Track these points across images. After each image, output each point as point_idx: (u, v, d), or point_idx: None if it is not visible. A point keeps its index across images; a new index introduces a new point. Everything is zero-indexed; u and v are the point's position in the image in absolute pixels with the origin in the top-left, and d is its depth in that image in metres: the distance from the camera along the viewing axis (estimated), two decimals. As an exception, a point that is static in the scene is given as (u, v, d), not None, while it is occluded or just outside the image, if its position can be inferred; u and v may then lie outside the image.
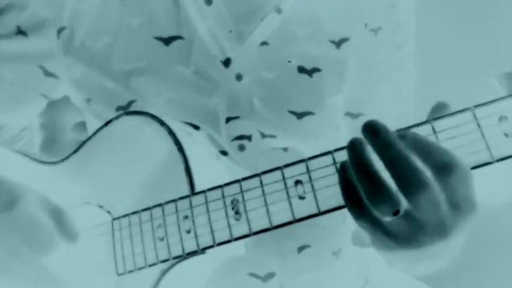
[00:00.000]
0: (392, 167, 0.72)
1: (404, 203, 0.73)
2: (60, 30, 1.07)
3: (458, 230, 0.76)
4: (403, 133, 0.75)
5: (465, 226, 0.76)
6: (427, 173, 0.72)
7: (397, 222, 0.74)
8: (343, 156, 0.78)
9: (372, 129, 0.74)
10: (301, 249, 1.08)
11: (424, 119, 0.78)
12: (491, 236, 1.68)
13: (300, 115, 1.07)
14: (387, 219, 0.74)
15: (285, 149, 1.07)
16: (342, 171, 0.76)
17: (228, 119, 1.05)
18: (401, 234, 0.75)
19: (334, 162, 0.79)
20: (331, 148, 0.82)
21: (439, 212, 0.73)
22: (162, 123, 0.95)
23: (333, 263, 1.13)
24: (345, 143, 0.79)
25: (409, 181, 0.72)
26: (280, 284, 1.07)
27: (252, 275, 1.05)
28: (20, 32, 1.08)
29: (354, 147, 0.75)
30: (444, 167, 0.72)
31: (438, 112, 0.76)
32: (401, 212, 0.73)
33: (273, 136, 1.07)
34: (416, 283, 1.28)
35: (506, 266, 1.84)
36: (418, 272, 0.88)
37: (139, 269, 0.92)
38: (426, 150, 0.73)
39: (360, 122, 1.08)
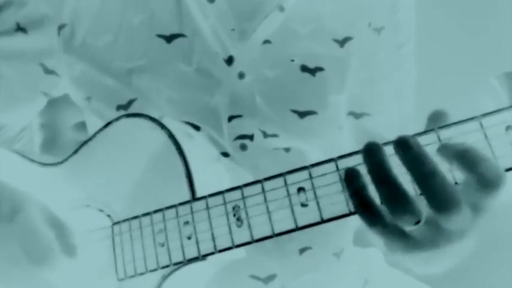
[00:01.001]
0: (425, 185, 0.71)
1: (425, 212, 0.72)
2: (60, 28, 1.06)
3: (475, 232, 0.75)
4: (449, 144, 0.72)
5: (479, 227, 0.75)
6: (468, 181, 0.71)
7: (418, 229, 0.73)
8: (346, 163, 0.77)
9: (405, 144, 0.71)
10: (302, 251, 1.08)
11: (424, 119, 0.77)
12: (491, 236, 1.68)
13: (302, 114, 1.07)
14: (407, 228, 0.73)
15: (287, 149, 1.07)
16: (350, 179, 0.74)
17: (231, 118, 1.05)
18: (419, 238, 0.74)
19: (337, 169, 0.78)
20: (334, 147, 0.81)
21: (465, 223, 0.72)
22: (162, 126, 0.94)
23: (334, 264, 1.12)
24: (347, 143, 0.78)
25: (443, 201, 0.70)
26: (281, 285, 1.07)
27: (253, 277, 1.05)
28: (20, 28, 1.08)
29: (371, 152, 0.73)
30: (493, 183, 0.70)
31: (435, 120, 0.75)
32: (423, 220, 0.72)
33: (275, 135, 1.07)
34: (416, 283, 1.28)
35: (506, 266, 1.84)
36: (428, 271, 0.87)
37: (140, 274, 0.91)
38: (474, 161, 0.70)
39: (363, 121, 1.10)
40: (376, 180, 0.72)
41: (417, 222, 0.72)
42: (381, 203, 0.73)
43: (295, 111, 1.06)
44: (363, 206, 0.73)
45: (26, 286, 0.91)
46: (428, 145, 0.73)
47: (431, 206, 0.71)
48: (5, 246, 0.90)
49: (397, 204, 0.71)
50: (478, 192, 0.71)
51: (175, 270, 0.89)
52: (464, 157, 0.71)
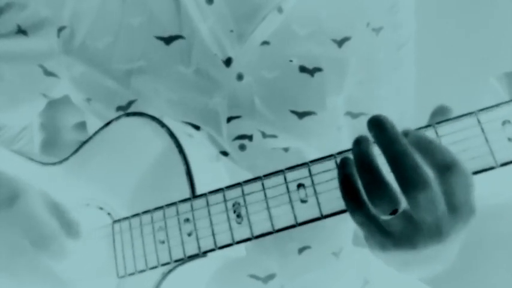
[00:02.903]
0: (395, 163, 0.72)
1: (403, 203, 0.73)
2: (60, 30, 1.06)
3: (454, 235, 0.75)
4: (406, 131, 0.74)
5: (462, 232, 0.76)
6: (428, 172, 0.73)
7: (393, 221, 0.74)
8: None
9: (378, 124, 0.74)
10: (301, 250, 1.08)
11: (423, 119, 0.78)
12: (491, 236, 1.68)
13: (301, 115, 1.07)
14: (384, 217, 0.74)
15: (286, 149, 1.07)
16: (342, 166, 0.76)
17: (229, 119, 1.05)
18: (396, 233, 0.75)
19: (337, 166, 0.78)
20: (332, 148, 0.82)
21: (437, 213, 0.73)
22: (163, 124, 0.95)
23: (333, 263, 1.13)
24: (346, 143, 0.78)
25: (410, 179, 0.72)
26: (281, 285, 1.07)
27: (253, 276, 1.05)
28: (20, 31, 1.08)
29: (358, 143, 0.75)
30: (446, 166, 0.72)
31: (439, 116, 0.76)
32: (399, 211, 0.73)
33: (274, 136, 1.07)
34: (416, 283, 1.28)
35: (505, 266, 1.84)
36: (411, 276, 0.88)
37: (140, 271, 0.92)
38: (429, 149, 0.73)
39: (360, 122, 1.10)
40: (358, 166, 0.74)
41: (393, 213, 0.73)
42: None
43: (294, 112, 1.07)
44: (346, 192, 0.75)
45: (28, 274, 0.91)
46: None
47: (400, 187, 0.72)
48: (6, 233, 0.90)
49: (375, 189, 0.73)
50: (440, 181, 0.72)
51: (175, 267, 0.89)
52: (419, 144, 0.73)
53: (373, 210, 0.74)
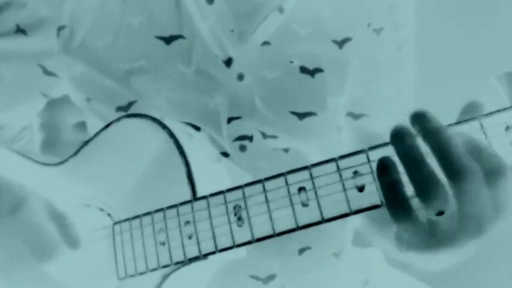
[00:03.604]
0: (442, 152, 0.71)
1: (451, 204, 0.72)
2: (60, 29, 1.06)
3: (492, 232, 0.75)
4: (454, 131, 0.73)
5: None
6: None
7: (442, 220, 0.73)
8: (347, 163, 0.78)
9: (423, 116, 0.73)
10: (302, 251, 1.08)
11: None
12: (491, 236, 1.68)
13: (301, 115, 1.07)
14: (431, 218, 0.73)
15: (286, 150, 1.07)
16: (386, 171, 0.73)
17: (230, 119, 1.05)
18: (440, 232, 0.73)
19: (338, 169, 0.78)
20: (333, 148, 0.82)
21: (482, 209, 0.72)
22: (163, 125, 0.94)
23: (334, 263, 1.13)
24: (346, 144, 0.78)
25: (458, 166, 0.70)
26: (281, 285, 1.07)
27: (253, 277, 1.05)
28: (20, 30, 1.08)
29: (402, 137, 0.73)
30: (495, 171, 0.71)
31: (470, 112, 0.75)
32: (447, 212, 0.72)
33: (274, 136, 1.07)
34: (416, 283, 1.29)
35: (505, 266, 1.84)
36: (434, 268, 0.86)
37: (141, 273, 0.92)
38: (477, 150, 0.72)
39: (362, 122, 1.10)
40: (409, 165, 0.72)
41: (442, 213, 0.72)
42: (414, 188, 0.72)
43: (294, 113, 1.06)
44: (398, 202, 0.73)
45: (28, 281, 0.91)
46: None
47: (447, 175, 0.71)
48: (7, 241, 0.90)
49: (431, 187, 0.71)
50: (487, 184, 0.71)
51: (175, 269, 0.89)
52: (467, 145, 0.72)
53: (421, 213, 0.73)
